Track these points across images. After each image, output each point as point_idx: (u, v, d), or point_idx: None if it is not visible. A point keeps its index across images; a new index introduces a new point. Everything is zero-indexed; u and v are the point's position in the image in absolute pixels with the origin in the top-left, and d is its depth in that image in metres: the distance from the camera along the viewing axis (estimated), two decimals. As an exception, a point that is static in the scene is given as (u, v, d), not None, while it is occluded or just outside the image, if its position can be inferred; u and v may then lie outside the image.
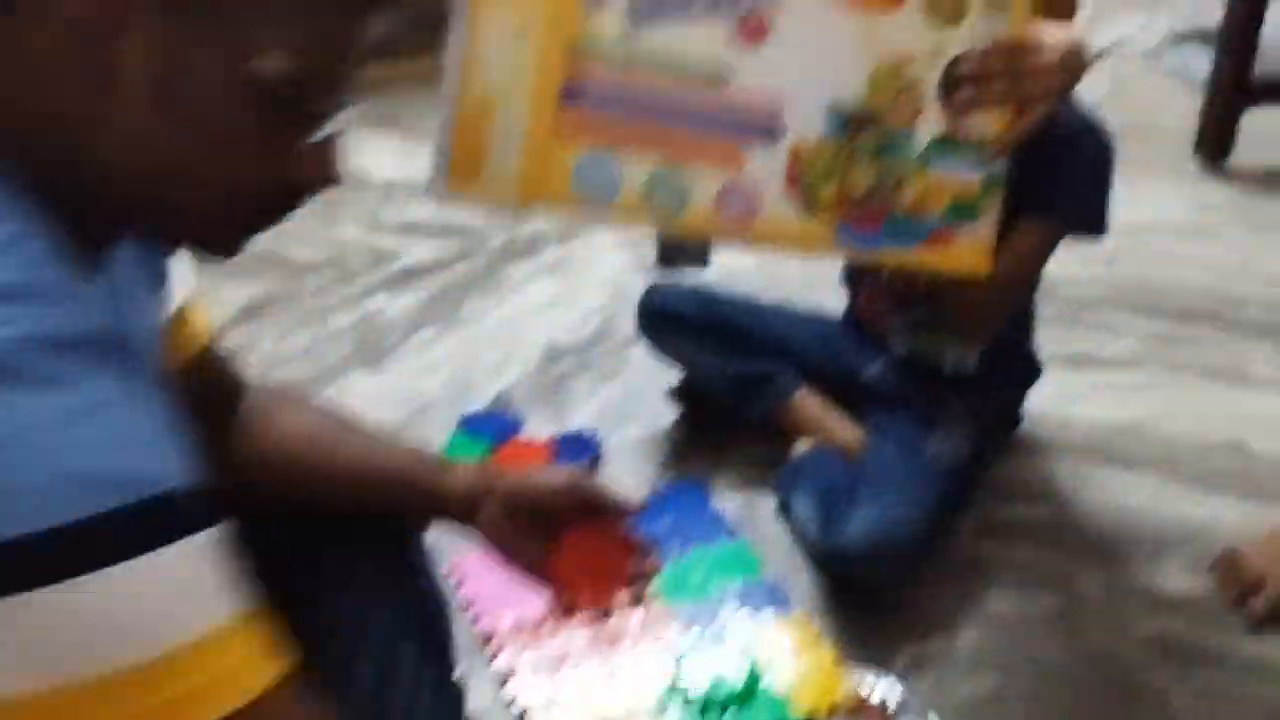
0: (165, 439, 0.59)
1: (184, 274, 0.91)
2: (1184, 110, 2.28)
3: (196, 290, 0.93)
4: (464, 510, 1.06)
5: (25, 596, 0.53)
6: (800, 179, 0.94)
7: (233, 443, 0.97)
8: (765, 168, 0.92)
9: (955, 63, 0.96)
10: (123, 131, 0.63)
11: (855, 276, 1.52)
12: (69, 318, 0.57)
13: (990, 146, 0.98)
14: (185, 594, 0.59)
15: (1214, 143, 2.16)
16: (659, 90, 0.88)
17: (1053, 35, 0.98)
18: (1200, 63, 2.36)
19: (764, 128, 0.92)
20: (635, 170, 0.88)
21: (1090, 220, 1.34)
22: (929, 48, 0.96)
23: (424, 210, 2.19)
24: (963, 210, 1.00)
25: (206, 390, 0.95)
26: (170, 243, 0.78)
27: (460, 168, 0.89)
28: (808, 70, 0.93)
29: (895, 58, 0.95)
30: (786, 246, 0.99)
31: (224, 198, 0.70)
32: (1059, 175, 1.29)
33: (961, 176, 0.99)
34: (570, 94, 0.85)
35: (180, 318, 0.90)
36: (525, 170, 0.86)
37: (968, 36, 0.96)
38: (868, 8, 0.94)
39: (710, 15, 0.90)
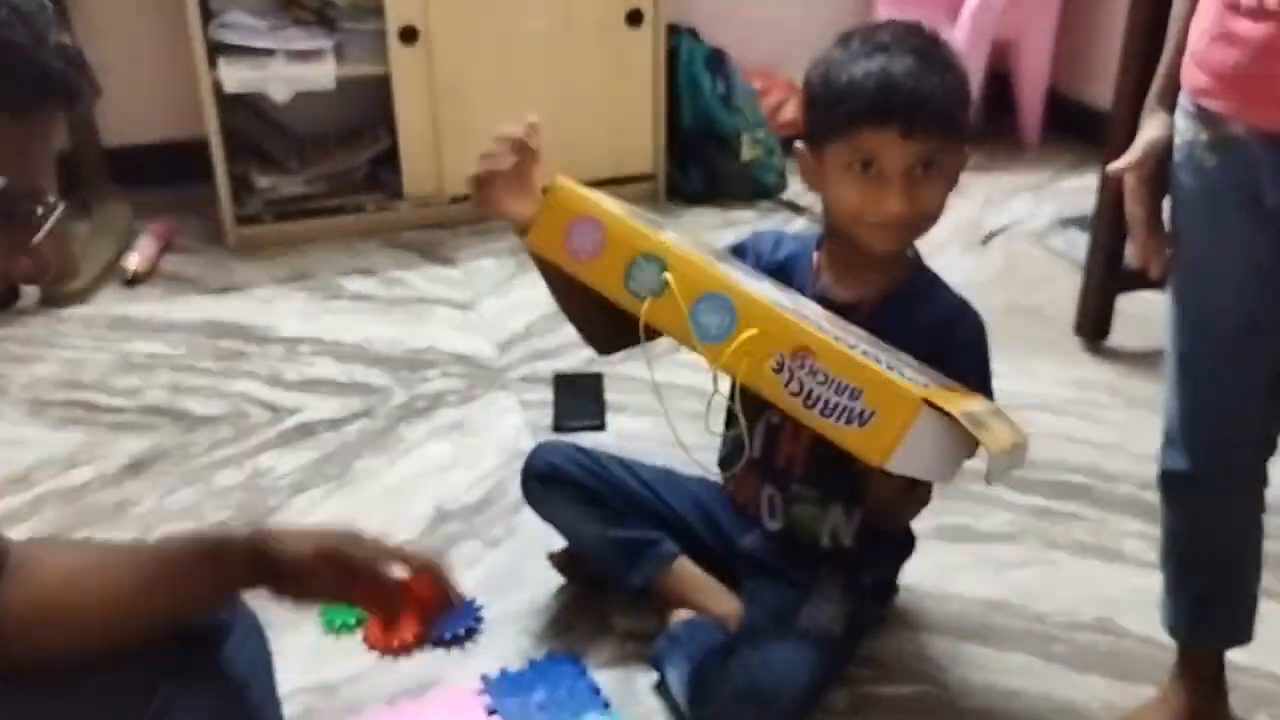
0: None
1: None
2: (1067, 291, 2.38)
3: None
4: (253, 573, 1.05)
5: None
6: None
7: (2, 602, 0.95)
8: None
9: None
10: None
11: (728, 462, 1.52)
12: None
13: None
14: None
15: (1093, 324, 2.26)
16: None
17: None
18: (1082, 245, 2.49)
19: None
20: None
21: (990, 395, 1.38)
22: None
23: (327, 367, 2.21)
24: None
25: None
26: None
27: None
28: None
29: None
30: None
31: None
32: (944, 365, 1.35)
33: None
34: None
35: None
36: None
37: None
38: None
39: None
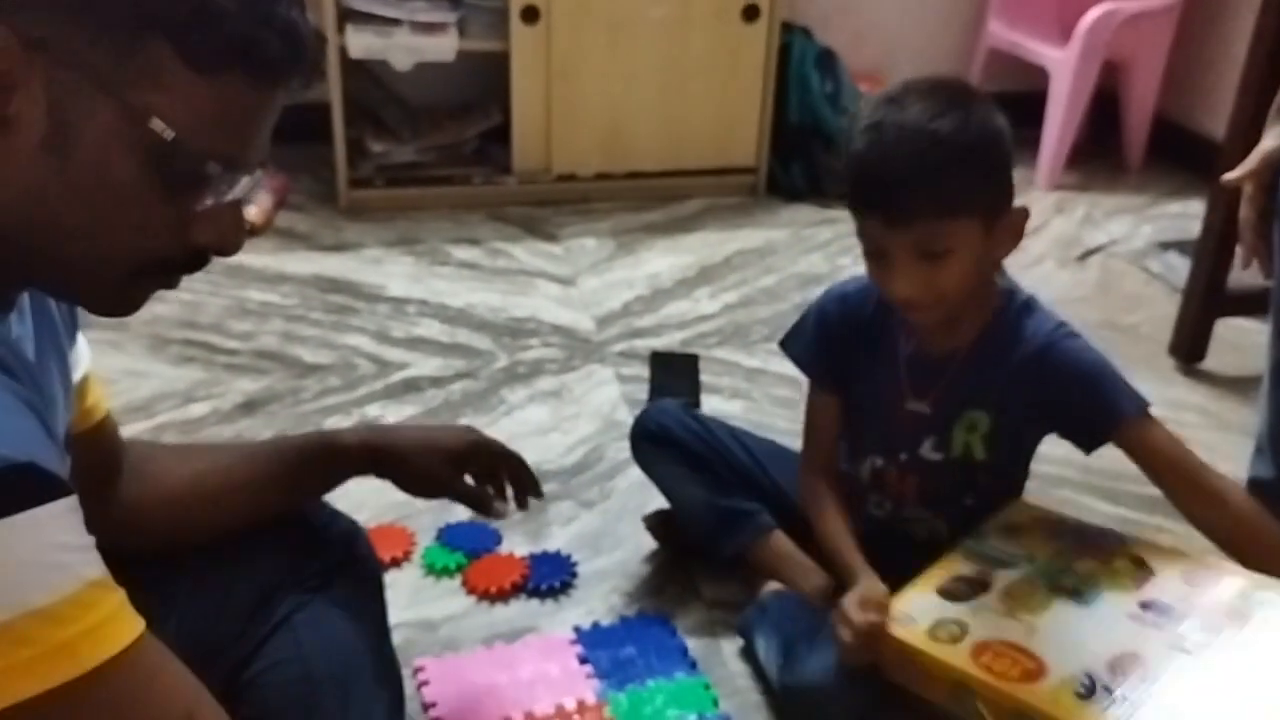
0: (23, 424, 0.66)
1: (84, 348, 0.98)
2: (1164, 312, 2.39)
3: (92, 364, 1.00)
4: (363, 462, 1.22)
5: None
6: None
7: (125, 494, 1.08)
8: None
9: None
10: (17, 179, 0.69)
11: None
12: None
13: None
14: (60, 551, 0.64)
15: (1189, 346, 2.26)
16: None
17: None
18: (1181, 269, 2.49)
19: None
20: None
21: (1140, 399, 1.38)
22: None
23: (432, 327, 2.28)
24: None
25: (101, 454, 1.05)
26: (64, 295, 0.83)
27: None
28: None
29: None
30: None
31: (116, 254, 0.74)
32: (1053, 397, 1.35)
33: None
34: None
35: (83, 389, 0.99)
36: None
37: None
38: None
39: None
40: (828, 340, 1.47)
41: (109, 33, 0.67)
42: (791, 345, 1.52)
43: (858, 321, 1.44)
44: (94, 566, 0.66)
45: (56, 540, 0.64)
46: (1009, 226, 1.30)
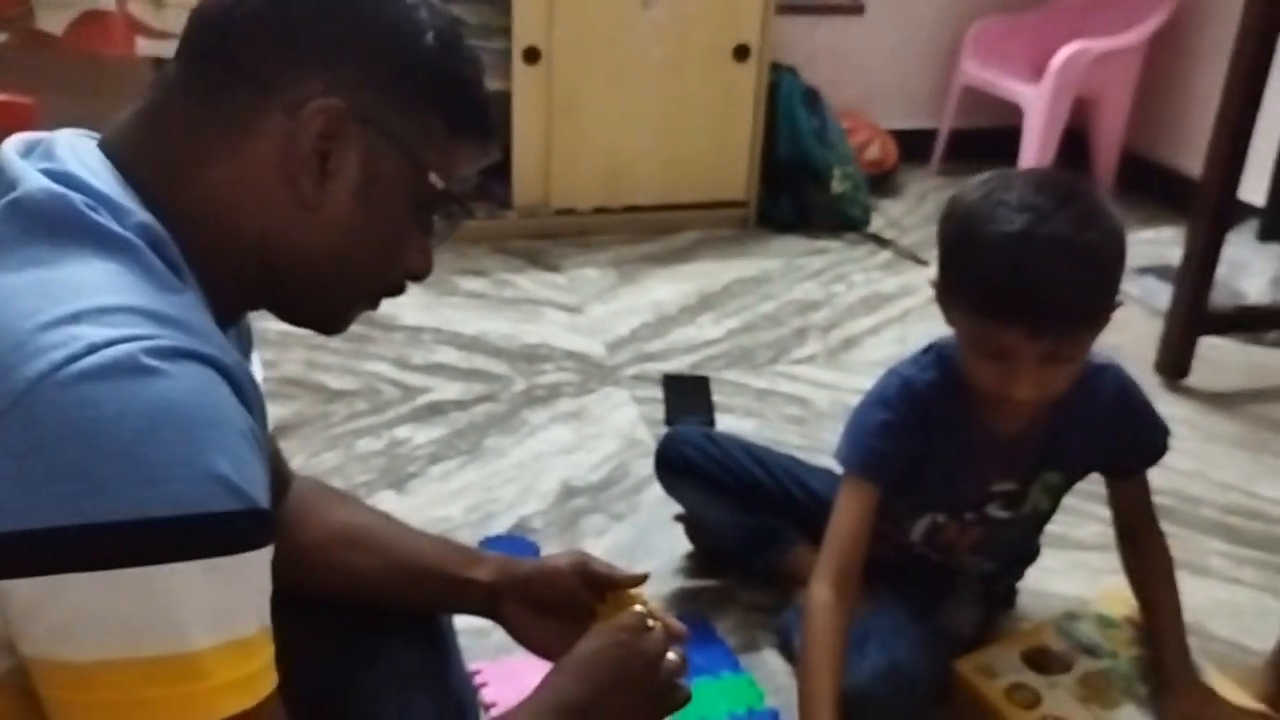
0: (261, 468, 0.71)
1: (257, 365, 1.04)
2: (1145, 333, 2.51)
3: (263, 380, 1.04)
4: (487, 601, 1.18)
5: (166, 568, 0.63)
6: None
7: (280, 528, 1.09)
8: None
9: None
10: (331, 222, 0.81)
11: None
12: (223, 352, 0.71)
13: None
14: (260, 593, 0.70)
15: (1173, 365, 2.38)
16: None
17: None
18: (1158, 292, 2.63)
19: None
20: None
21: (1162, 447, 1.49)
22: None
23: (449, 354, 2.35)
24: None
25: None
26: (297, 318, 0.90)
27: None
28: None
29: None
30: None
31: (368, 284, 0.87)
32: (1127, 443, 1.45)
33: None
34: None
35: None
36: None
37: None
38: None
39: None
40: (898, 444, 1.38)
41: (408, 107, 0.81)
42: (852, 455, 1.40)
43: (929, 419, 1.38)
44: (268, 613, 0.70)
45: (261, 583, 0.69)
46: (1105, 325, 1.29)
